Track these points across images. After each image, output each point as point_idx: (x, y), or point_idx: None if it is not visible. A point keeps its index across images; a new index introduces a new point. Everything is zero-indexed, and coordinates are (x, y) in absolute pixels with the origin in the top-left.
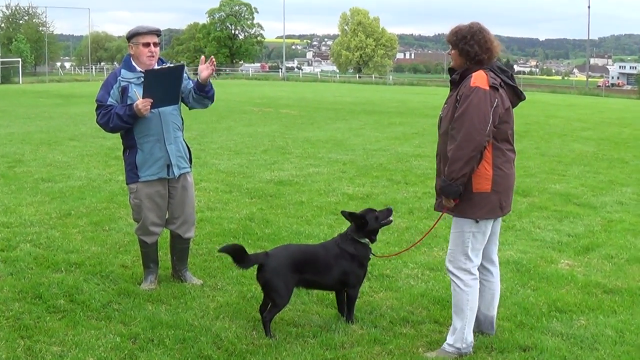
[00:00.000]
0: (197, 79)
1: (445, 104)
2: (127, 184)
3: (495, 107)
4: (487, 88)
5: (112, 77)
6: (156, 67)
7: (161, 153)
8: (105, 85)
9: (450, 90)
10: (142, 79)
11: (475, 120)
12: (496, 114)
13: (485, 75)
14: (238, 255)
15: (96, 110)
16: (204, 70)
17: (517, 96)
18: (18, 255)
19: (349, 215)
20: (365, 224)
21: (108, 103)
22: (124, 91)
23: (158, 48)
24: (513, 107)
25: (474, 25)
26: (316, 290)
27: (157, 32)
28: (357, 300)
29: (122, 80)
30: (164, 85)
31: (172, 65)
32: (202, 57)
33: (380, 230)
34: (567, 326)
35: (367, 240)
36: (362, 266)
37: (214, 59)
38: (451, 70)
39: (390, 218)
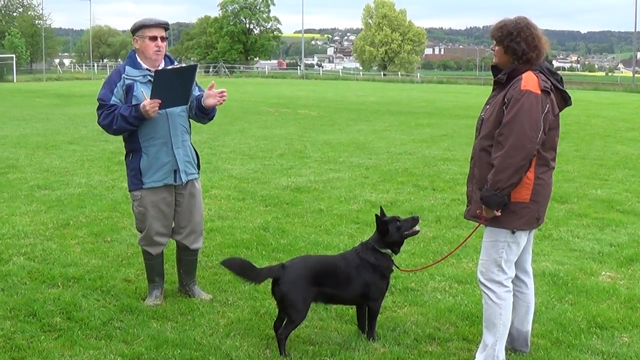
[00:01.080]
0: (202, 101)
1: (487, 104)
2: (129, 191)
3: (546, 113)
4: (539, 92)
5: (116, 75)
6: (166, 66)
7: (168, 157)
8: (108, 83)
9: (494, 90)
10: (149, 78)
11: (526, 126)
12: (547, 120)
13: (536, 77)
14: (245, 270)
15: (98, 110)
16: (211, 98)
17: (564, 101)
18: (10, 270)
19: (377, 217)
20: (387, 232)
21: (111, 102)
22: (129, 90)
23: (165, 43)
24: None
25: (521, 20)
26: (335, 305)
27: (165, 26)
28: (379, 315)
29: (127, 78)
30: (174, 86)
31: (184, 65)
32: (213, 82)
33: (405, 240)
34: (609, 344)
35: (389, 250)
36: (384, 278)
37: (226, 93)
38: (494, 68)
39: (417, 228)
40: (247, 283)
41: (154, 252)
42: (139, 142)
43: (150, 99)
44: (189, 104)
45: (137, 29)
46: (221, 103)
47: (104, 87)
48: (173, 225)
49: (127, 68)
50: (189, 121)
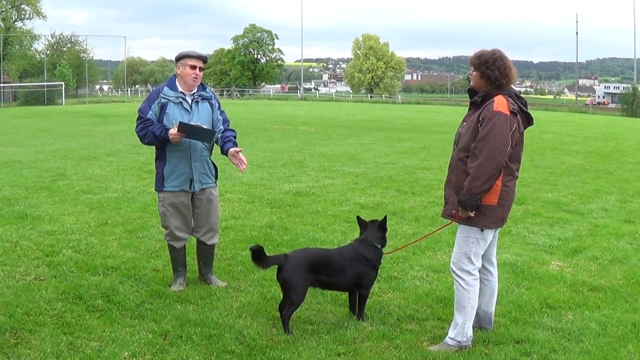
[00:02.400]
0: (226, 152)
1: (463, 121)
2: (155, 190)
3: (513, 130)
4: (508, 113)
5: (155, 93)
6: (199, 91)
7: (186, 168)
8: (148, 99)
9: (470, 109)
10: (181, 100)
11: (497, 142)
12: (514, 137)
13: (506, 100)
14: (258, 256)
15: (137, 120)
16: (235, 160)
17: (527, 121)
18: (61, 260)
19: (374, 221)
20: (386, 229)
21: (148, 116)
22: (163, 107)
23: (202, 73)
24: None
25: (496, 52)
26: (330, 291)
27: (204, 59)
28: (368, 300)
29: (163, 97)
30: (197, 133)
31: (204, 128)
32: (240, 149)
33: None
34: (556, 321)
35: (380, 245)
36: (374, 269)
37: (245, 165)
38: (471, 91)
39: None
40: (256, 267)
41: (177, 246)
42: (165, 151)
43: (178, 131)
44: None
45: (181, 57)
46: (240, 169)
47: (145, 102)
48: (193, 224)
49: (166, 89)
50: (212, 145)
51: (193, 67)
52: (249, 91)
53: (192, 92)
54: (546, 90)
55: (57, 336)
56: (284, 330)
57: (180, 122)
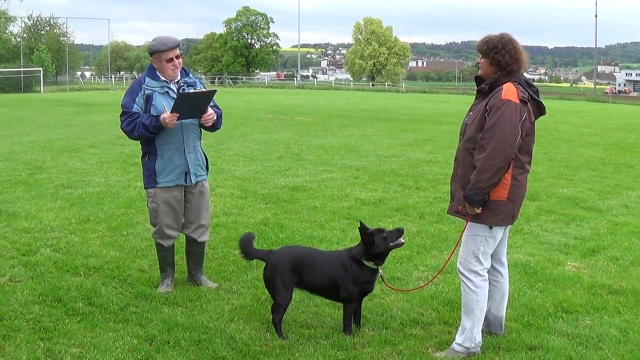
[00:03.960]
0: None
1: (470, 111)
2: (145, 188)
3: (523, 120)
4: (517, 101)
5: (137, 85)
6: (182, 77)
7: (180, 161)
8: (130, 92)
9: (477, 98)
10: (167, 89)
11: (506, 132)
12: (524, 127)
13: (515, 88)
14: (244, 245)
15: (121, 116)
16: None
17: (539, 110)
18: (38, 260)
19: (361, 229)
20: (373, 243)
21: (133, 110)
22: (148, 99)
23: (180, 59)
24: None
25: (505, 35)
26: (318, 296)
27: (177, 46)
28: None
29: (147, 89)
30: (193, 105)
31: (205, 90)
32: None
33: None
34: (573, 326)
35: (372, 263)
36: (355, 284)
37: (211, 116)
38: (478, 79)
39: (401, 240)
40: (242, 258)
41: (166, 245)
42: (155, 146)
43: (171, 112)
44: None
45: (152, 52)
46: (209, 123)
47: (126, 96)
48: (183, 220)
49: (147, 79)
50: (200, 128)
51: (169, 60)
52: (242, 79)
53: (177, 80)
54: (562, 78)
55: (33, 342)
56: (277, 335)
57: (178, 94)
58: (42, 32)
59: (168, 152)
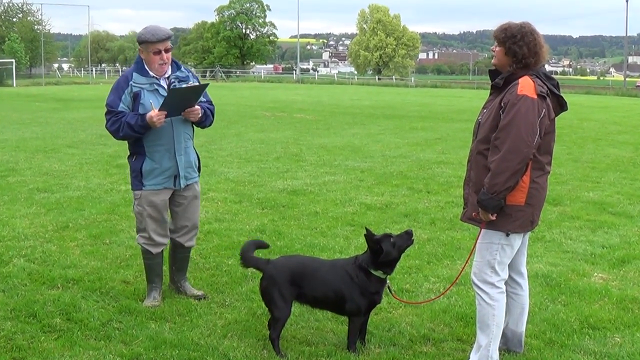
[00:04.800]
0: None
1: (483, 108)
2: (132, 189)
3: (542, 117)
4: (535, 97)
5: (124, 81)
6: (173, 72)
7: (170, 163)
8: (116, 89)
9: (491, 94)
10: (156, 86)
11: (522, 131)
12: (543, 125)
13: (533, 82)
14: (245, 251)
15: (106, 115)
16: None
17: (560, 106)
18: (11, 271)
19: (367, 236)
20: (381, 251)
21: (119, 109)
22: (136, 97)
23: (170, 53)
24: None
25: (526, 25)
26: (320, 309)
27: (167, 38)
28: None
29: (134, 86)
30: (183, 100)
31: (197, 84)
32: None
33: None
34: (601, 344)
35: (380, 272)
36: (362, 295)
37: (196, 111)
38: (492, 73)
39: (412, 239)
40: (239, 263)
41: (154, 252)
42: (144, 147)
43: (159, 110)
44: None
45: (140, 42)
46: (195, 119)
47: (112, 93)
48: (170, 224)
49: (135, 75)
50: (193, 127)
51: (157, 52)
52: (236, 72)
53: (167, 75)
54: (588, 70)
55: None
56: (275, 352)
57: (169, 90)
58: (14, 19)
59: (157, 154)
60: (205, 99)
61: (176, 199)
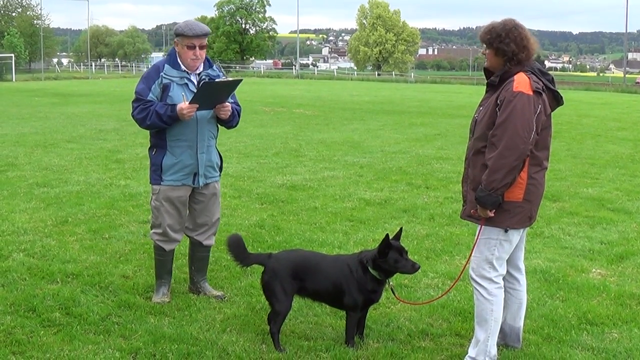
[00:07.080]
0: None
1: (480, 106)
2: (150, 183)
3: (538, 113)
4: (531, 93)
5: (154, 72)
6: (205, 69)
7: (191, 160)
8: (146, 79)
9: (487, 92)
10: (186, 80)
11: (519, 127)
12: (539, 121)
13: (528, 79)
14: (238, 250)
15: (134, 102)
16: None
17: (556, 101)
18: (10, 266)
19: (386, 237)
20: (385, 255)
21: (148, 98)
22: (165, 89)
23: (204, 50)
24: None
25: (509, 21)
26: (321, 303)
27: (204, 35)
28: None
29: (165, 77)
30: (215, 95)
31: (230, 79)
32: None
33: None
34: (599, 340)
35: (376, 272)
36: (359, 290)
37: (227, 108)
38: (487, 71)
39: (414, 272)
40: (236, 264)
41: (167, 249)
42: (165, 140)
43: (190, 103)
44: None
45: (177, 35)
46: (224, 116)
47: (142, 82)
48: (190, 223)
49: (167, 67)
50: (217, 127)
51: (191, 47)
52: (235, 67)
53: (198, 72)
54: (588, 67)
55: (4, 356)
56: (274, 347)
57: (203, 83)
58: (14, 14)
59: (179, 149)
60: (232, 100)
61: (196, 196)
